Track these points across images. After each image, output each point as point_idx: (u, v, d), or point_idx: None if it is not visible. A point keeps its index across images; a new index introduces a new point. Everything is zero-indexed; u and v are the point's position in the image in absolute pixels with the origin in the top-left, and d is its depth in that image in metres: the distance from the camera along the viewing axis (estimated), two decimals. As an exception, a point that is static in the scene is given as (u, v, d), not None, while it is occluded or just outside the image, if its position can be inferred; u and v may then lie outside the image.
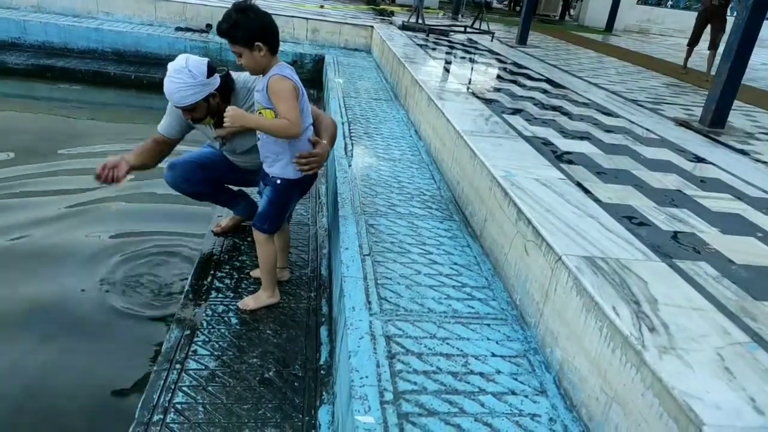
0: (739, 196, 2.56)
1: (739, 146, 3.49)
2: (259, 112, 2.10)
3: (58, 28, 6.94)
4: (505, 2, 18.48)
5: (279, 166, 2.20)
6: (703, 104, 4.03)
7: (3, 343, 2.45)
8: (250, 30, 1.98)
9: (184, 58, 2.29)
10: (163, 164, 2.75)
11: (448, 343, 1.76)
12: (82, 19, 7.34)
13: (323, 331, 2.29)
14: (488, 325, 1.89)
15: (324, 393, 1.95)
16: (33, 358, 2.38)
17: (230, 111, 2.03)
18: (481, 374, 1.64)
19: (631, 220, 2.09)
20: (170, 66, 2.27)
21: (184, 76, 2.23)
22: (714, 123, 3.81)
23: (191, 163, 2.69)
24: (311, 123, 2.25)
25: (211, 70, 2.30)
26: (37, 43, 6.93)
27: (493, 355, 1.73)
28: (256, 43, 1.99)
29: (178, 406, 1.83)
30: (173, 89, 2.25)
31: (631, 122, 3.80)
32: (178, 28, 7.49)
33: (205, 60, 2.32)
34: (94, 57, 6.99)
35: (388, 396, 1.51)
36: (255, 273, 2.59)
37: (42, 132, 4.98)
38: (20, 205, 3.60)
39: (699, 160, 3.09)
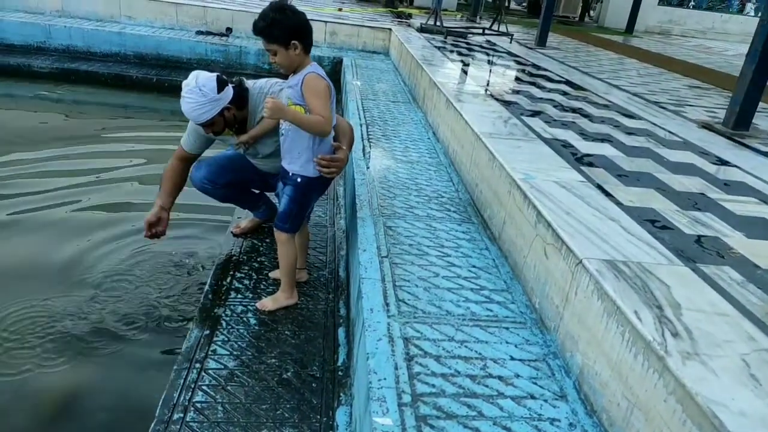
0: (765, 199, 2.51)
1: (764, 149, 3.42)
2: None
3: (81, 32, 7.07)
4: (524, 3, 18.35)
5: (299, 163, 2.23)
6: (726, 106, 3.96)
7: (27, 342, 2.49)
8: (286, 28, 2.04)
9: (194, 76, 2.32)
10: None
11: (466, 346, 1.75)
12: (105, 23, 7.46)
13: (341, 333, 2.29)
14: (507, 328, 1.87)
15: (342, 394, 1.96)
16: (55, 359, 2.42)
17: (269, 102, 2.04)
18: (500, 378, 1.63)
19: (654, 223, 2.07)
20: (183, 85, 2.32)
21: (196, 96, 2.28)
22: (738, 125, 3.74)
23: (216, 165, 2.74)
24: (334, 125, 2.28)
25: (221, 85, 2.33)
26: (61, 47, 7.06)
27: (512, 358, 1.72)
28: (292, 42, 2.05)
29: (198, 405, 1.85)
30: (188, 109, 2.32)
31: (653, 124, 3.75)
32: (199, 32, 7.57)
33: (214, 75, 2.35)
34: (116, 60, 7.09)
35: (406, 398, 1.51)
36: (274, 274, 2.60)
37: (66, 132, 5.08)
38: (42, 203, 3.67)
39: (723, 162, 3.04)
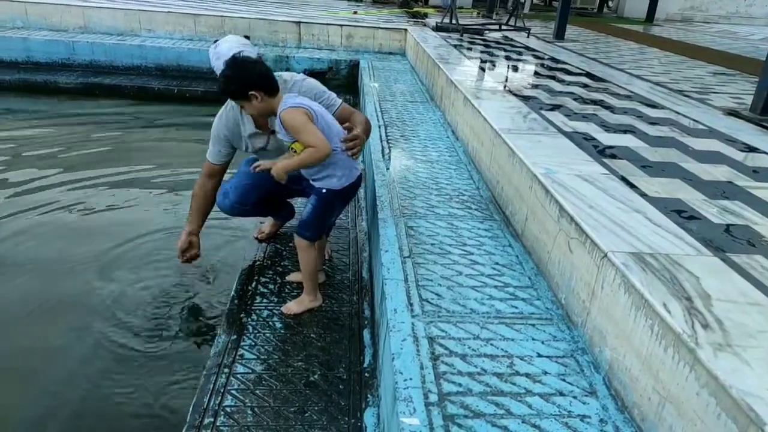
0: (797, 185, 2.44)
1: (794, 134, 3.33)
2: (291, 148, 2.17)
3: (104, 47, 7.21)
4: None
5: (320, 178, 2.27)
6: (753, 92, 3.86)
7: (61, 351, 2.56)
8: (240, 84, 2.10)
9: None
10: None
11: (492, 344, 1.74)
12: (126, 37, 7.60)
13: (366, 334, 2.30)
14: (533, 325, 1.86)
15: (369, 395, 1.96)
16: (89, 365, 2.47)
17: (275, 173, 2.15)
18: (527, 375, 1.61)
19: (681, 213, 2.02)
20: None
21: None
22: (766, 110, 3.64)
23: (242, 187, 2.70)
24: (339, 129, 2.28)
25: None
26: (85, 62, 7.21)
27: (539, 355, 1.70)
28: (250, 93, 2.09)
29: (228, 409, 1.87)
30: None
31: (677, 113, 3.68)
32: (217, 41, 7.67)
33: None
34: (138, 73, 7.22)
35: (433, 398, 1.50)
36: (291, 277, 2.64)
37: (97, 146, 5.20)
38: (70, 212, 3.76)
39: (751, 149, 2.96)
